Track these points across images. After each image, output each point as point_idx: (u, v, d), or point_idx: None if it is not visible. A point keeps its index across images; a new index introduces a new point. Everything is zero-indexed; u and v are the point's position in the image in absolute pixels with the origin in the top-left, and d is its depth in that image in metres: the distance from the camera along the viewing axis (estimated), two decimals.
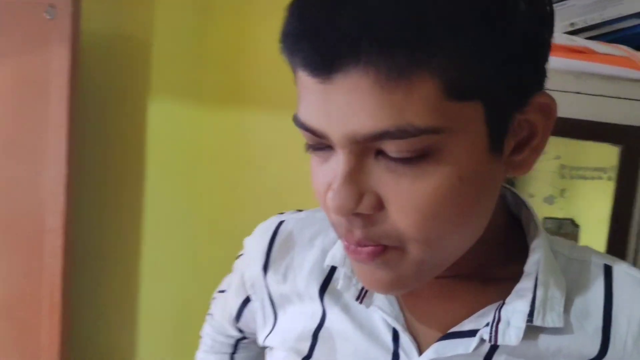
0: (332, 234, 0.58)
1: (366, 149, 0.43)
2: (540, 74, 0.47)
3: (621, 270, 0.53)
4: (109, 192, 1.53)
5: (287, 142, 1.60)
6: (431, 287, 0.52)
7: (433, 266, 0.48)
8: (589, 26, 1.15)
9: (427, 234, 0.44)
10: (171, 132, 1.54)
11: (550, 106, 0.47)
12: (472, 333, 0.51)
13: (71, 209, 1.36)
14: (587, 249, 0.56)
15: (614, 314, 0.51)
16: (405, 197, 0.43)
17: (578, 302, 0.51)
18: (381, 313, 0.53)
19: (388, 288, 0.48)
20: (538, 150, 0.48)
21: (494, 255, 0.53)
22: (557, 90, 0.95)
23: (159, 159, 1.54)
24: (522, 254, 0.53)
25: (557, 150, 1.01)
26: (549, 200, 1.01)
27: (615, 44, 1.02)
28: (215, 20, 1.50)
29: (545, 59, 0.47)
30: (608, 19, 1.14)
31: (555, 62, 0.99)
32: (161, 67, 1.51)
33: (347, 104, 0.41)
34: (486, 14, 0.41)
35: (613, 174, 0.96)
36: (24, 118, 1.33)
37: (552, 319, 0.49)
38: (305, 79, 0.43)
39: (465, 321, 0.51)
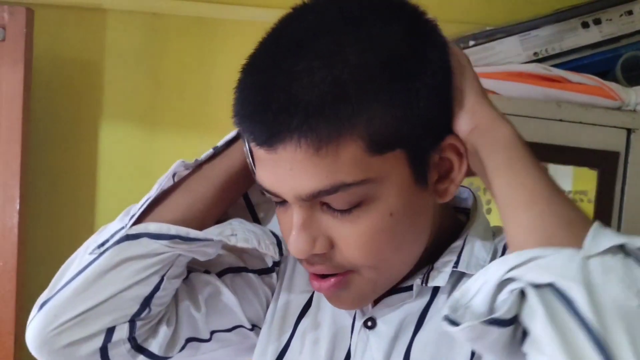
0: None
1: (313, 202, 0.52)
2: (449, 116, 0.55)
3: None
4: (60, 219, 1.42)
5: None
6: None
7: (386, 281, 0.58)
8: (550, 55, 1.23)
9: (374, 261, 0.54)
10: (124, 157, 1.46)
11: (459, 148, 0.55)
12: (411, 287, 0.60)
13: (23, 244, 1.25)
14: None
15: None
16: (349, 237, 0.53)
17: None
18: None
19: (351, 305, 0.60)
20: (456, 182, 0.56)
21: (443, 247, 0.61)
22: (541, 118, 1.00)
23: (111, 185, 1.45)
24: None
25: None
26: None
27: (584, 74, 1.09)
28: (169, 42, 1.45)
29: (449, 111, 0.55)
30: (566, 49, 1.22)
31: (535, 91, 1.05)
32: (113, 91, 1.44)
33: (289, 170, 0.50)
34: (397, 77, 0.50)
35: (593, 197, 1.02)
36: None
37: (476, 269, 0.56)
38: (256, 149, 0.53)
39: (408, 279, 0.60)
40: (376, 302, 0.62)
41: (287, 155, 0.49)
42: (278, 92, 0.49)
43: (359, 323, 0.62)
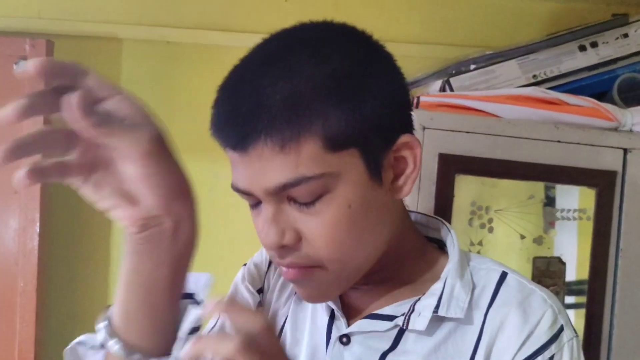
0: None
1: (280, 197, 0.58)
2: (402, 121, 0.62)
3: (513, 276, 0.65)
4: (78, 241, 1.47)
5: None
6: (361, 291, 0.68)
7: (349, 275, 0.63)
8: (549, 78, 1.27)
9: (338, 253, 0.59)
10: None
11: (411, 144, 0.61)
12: (389, 317, 0.65)
13: (43, 266, 1.30)
14: (495, 262, 0.68)
15: (491, 309, 0.63)
16: (314, 230, 0.58)
17: (478, 300, 0.64)
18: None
19: (316, 298, 0.65)
20: (412, 178, 0.62)
21: (411, 268, 0.68)
22: (539, 140, 1.05)
23: None
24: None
25: (543, 194, 1.10)
26: (538, 240, 1.09)
27: (580, 96, 1.13)
28: (183, 70, 1.50)
29: (404, 112, 0.63)
30: (565, 72, 1.27)
31: (534, 113, 1.09)
32: None
33: (259, 168, 0.57)
34: (346, 89, 0.57)
35: (592, 215, 1.05)
36: None
37: (455, 311, 0.62)
38: (231, 154, 0.59)
39: (387, 307, 0.66)
40: (353, 320, 0.67)
41: (256, 154, 0.56)
42: (246, 101, 0.56)
43: (334, 338, 0.66)
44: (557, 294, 1.07)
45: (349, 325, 0.67)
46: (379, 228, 0.62)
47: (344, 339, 0.66)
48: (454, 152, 1.01)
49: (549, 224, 1.12)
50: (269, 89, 0.55)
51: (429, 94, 1.16)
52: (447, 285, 0.64)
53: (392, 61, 0.63)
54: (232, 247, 1.53)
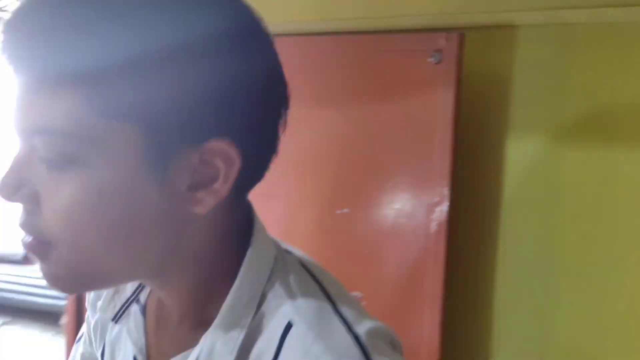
0: None
1: (33, 147, 0.48)
2: (222, 121, 0.49)
3: (297, 330, 0.52)
4: (467, 223, 1.58)
5: None
6: (173, 329, 0.61)
7: (84, 272, 0.51)
8: None
9: (70, 236, 0.49)
10: (529, 169, 1.53)
11: (229, 155, 0.50)
12: None
13: (450, 238, 1.43)
14: (290, 293, 0.54)
15: None
16: (53, 199, 0.48)
17: (253, 356, 0.53)
18: (129, 342, 0.64)
19: (50, 282, 0.52)
20: (218, 194, 0.51)
21: (214, 297, 0.56)
22: None
23: (515, 196, 1.54)
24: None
25: None
26: None
27: None
28: (578, 51, 1.46)
29: (234, 114, 0.49)
30: None
31: None
32: (521, 103, 1.52)
33: (20, 100, 0.48)
34: (142, 61, 0.46)
35: None
36: (411, 156, 1.44)
37: None
38: None
39: (176, 357, 0.58)
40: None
41: (21, 84, 0.48)
42: (29, 19, 0.47)
43: None
44: None
45: None
46: (141, 233, 0.50)
47: None
48: None
49: None
50: (55, 19, 0.46)
51: None
52: (206, 344, 0.54)
53: (238, 62, 0.50)
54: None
